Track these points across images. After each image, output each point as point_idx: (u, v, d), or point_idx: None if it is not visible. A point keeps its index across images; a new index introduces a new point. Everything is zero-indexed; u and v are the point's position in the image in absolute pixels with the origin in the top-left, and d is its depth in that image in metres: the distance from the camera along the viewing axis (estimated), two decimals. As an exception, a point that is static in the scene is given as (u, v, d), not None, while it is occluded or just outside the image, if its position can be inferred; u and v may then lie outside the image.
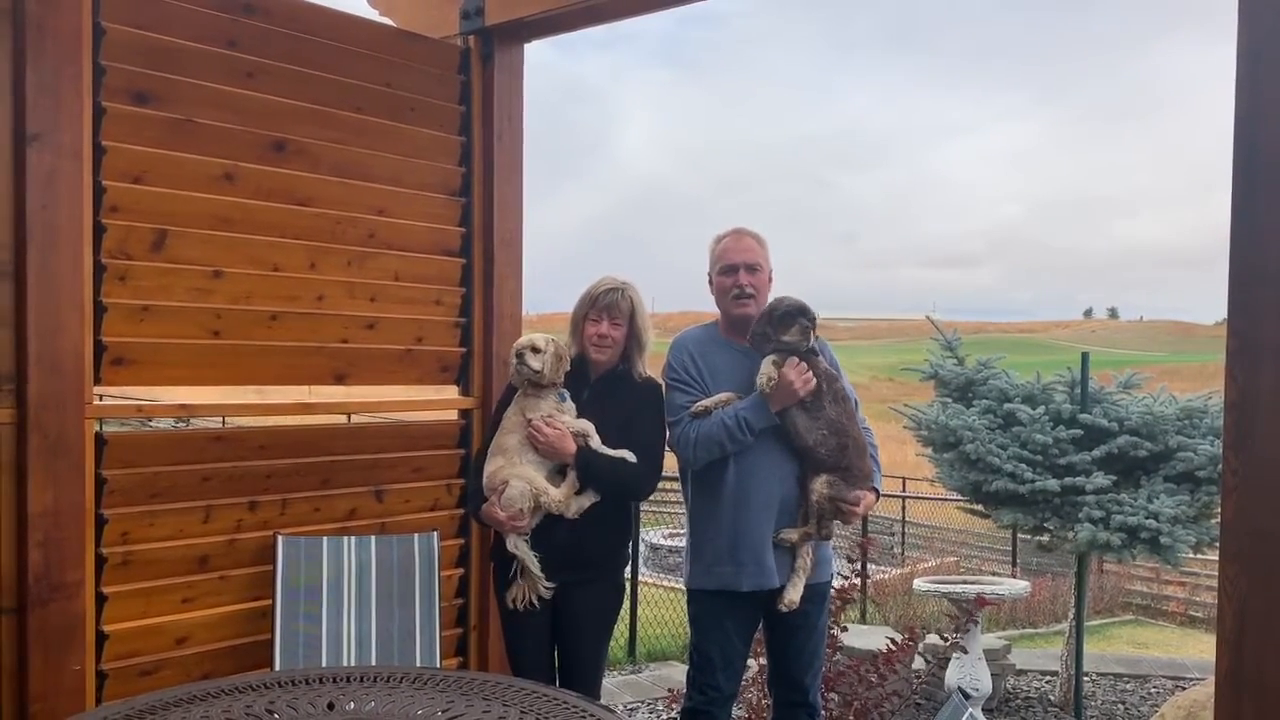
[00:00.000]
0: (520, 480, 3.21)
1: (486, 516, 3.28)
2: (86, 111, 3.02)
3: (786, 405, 3.16)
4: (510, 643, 3.39)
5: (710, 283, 3.39)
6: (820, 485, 3.19)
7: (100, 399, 3.32)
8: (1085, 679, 6.15)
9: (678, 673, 5.95)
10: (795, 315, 3.17)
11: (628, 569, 3.59)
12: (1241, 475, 2.31)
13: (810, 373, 3.15)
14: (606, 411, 3.31)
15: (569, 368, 3.31)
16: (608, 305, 3.31)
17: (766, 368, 3.14)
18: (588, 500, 3.24)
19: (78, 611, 3.01)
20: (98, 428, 3.11)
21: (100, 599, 3.10)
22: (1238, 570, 2.31)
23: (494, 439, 3.35)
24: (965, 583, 5.76)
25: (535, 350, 3.25)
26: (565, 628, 3.33)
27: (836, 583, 3.97)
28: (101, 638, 3.10)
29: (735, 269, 3.30)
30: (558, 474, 3.28)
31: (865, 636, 5.67)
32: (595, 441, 3.25)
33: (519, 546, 3.22)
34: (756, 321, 3.23)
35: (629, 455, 3.25)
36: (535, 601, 3.24)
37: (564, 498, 3.21)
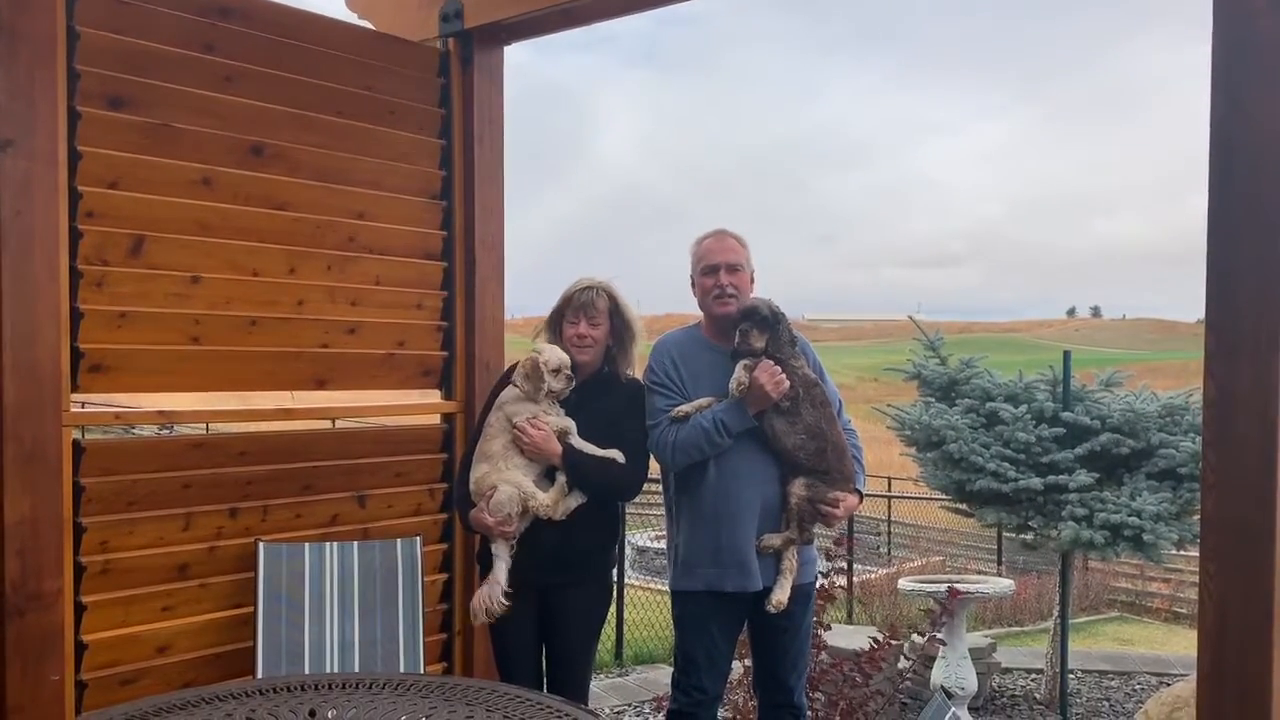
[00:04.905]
0: (508, 485, 3.20)
1: (475, 522, 3.26)
2: (61, 116, 2.99)
3: (762, 408, 3.16)
4: (497, 645, 3.38)
5: (693, 284, 3.40)
6: (799, 488, 3.19)
7: (83, 406, 3.29)
8: (1070, 676, 6.17)
9: (665, 676, 5.94)
10: (737, 322, 3.21)
11: (615, 570, 3.59)
12: (1220, 472, 2.32)
13: (782, 375, 3.15)
14: (592, 414, 3.30)
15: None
16: (584, 305, 3.30)
17: (738, 372, 3.16)
18: (575, 501, 3.23)
19: (56, 621, 2.98)
20: (76, 435, 3.08)
21: (79, 608, 3.07)
22: (1217, 566, 2.32)
23: (478, 445, 3.33)
24: (950, 582, 5.77)
25: (564, 371, 3.23)
26: (553, 629, 3.32)
27: (817, 581, 3.97)
28: (81, 647, 3.07)
29: (716, 269, 3.30)
30: (545, 478, 3.27)
31: (851, 636, 5.67)
32: (576, 439, 3.25)
33: (499, 551, 3.22)
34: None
35: (618, 455, 3.25)
36: (495, 610, 3.20)
37: (553, 501, 3.20)
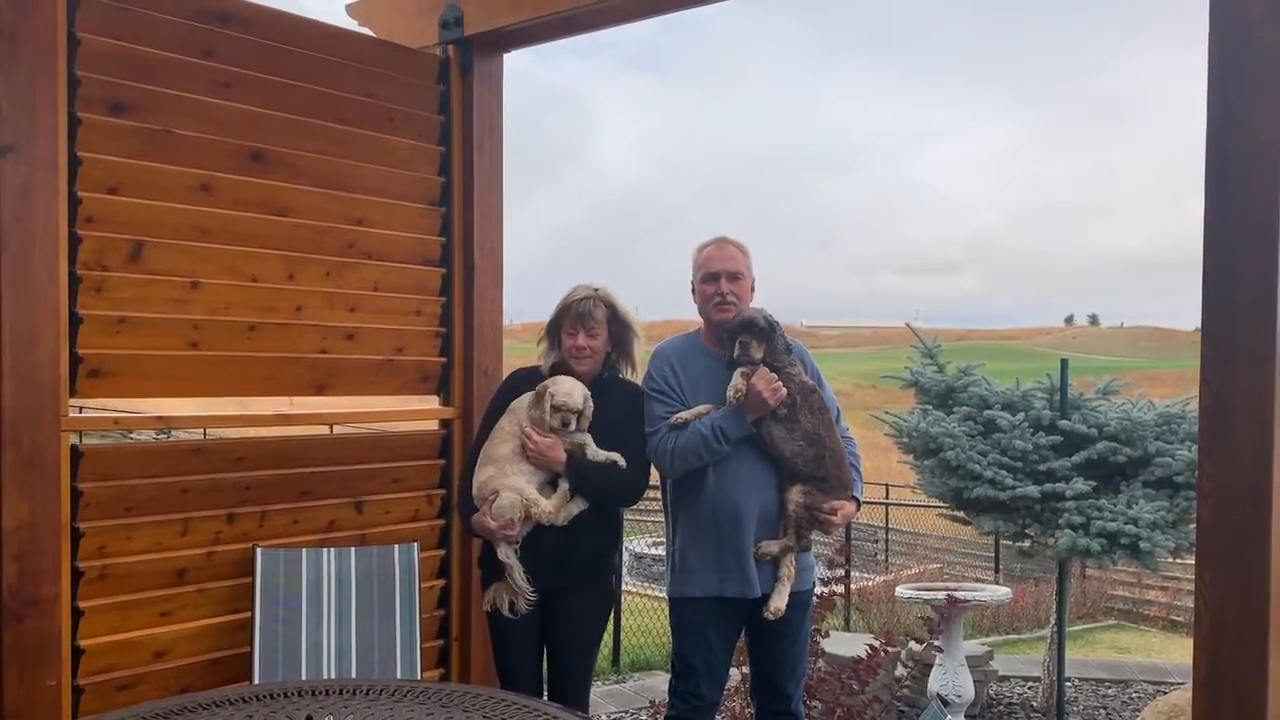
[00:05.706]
0: (511, 491, 3.21)
1: (477, 525, 3.27)
2: (61, 122, 3.00)
3: (760, 415, 3.17)
4: (498, 649, 3.38)
5: (693, 290, 3.40)
6: (796, 495, 3.19)
7: (80, 410, 3.29)
8: (1067, 684, 6.16)
9: (662, 683, 5.93)
10: (735, 333, 3.21)
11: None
12: (1216, 480, 2.33)
13: (779, 382, 3.16)
14: (594, 420, 3.30)
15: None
16: (581, 315, 3.31)
17: (736, 379, 3.17)
18: (576, 507, 3.24)
19: (53, 626, 2.98)
20: (74, 440, 3.08)
21: (76, 613, 3.07)
22: (1213, 574, 2.33)
23: (484, 448, 3.34)
24: (947, 589, 5.76)
25: (562, 414, 3.22)
26: (554, 633, 3.33)
27: (817, 589, 3.97)
28: (78, 652, 3.07)
29: (717, 277, 3.31)
30: (548, 484, 3.28)
31: (848, 644, 5.66)
32: (591, 449, 3.26)
33: (509, 557, 3.22)
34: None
35: (619, 458, 3.25)
36: (513, 609, 3.23)
37: (554, 509, 3.21)
